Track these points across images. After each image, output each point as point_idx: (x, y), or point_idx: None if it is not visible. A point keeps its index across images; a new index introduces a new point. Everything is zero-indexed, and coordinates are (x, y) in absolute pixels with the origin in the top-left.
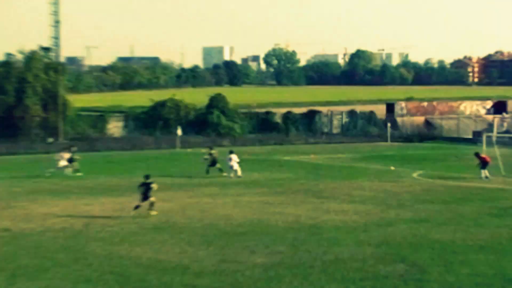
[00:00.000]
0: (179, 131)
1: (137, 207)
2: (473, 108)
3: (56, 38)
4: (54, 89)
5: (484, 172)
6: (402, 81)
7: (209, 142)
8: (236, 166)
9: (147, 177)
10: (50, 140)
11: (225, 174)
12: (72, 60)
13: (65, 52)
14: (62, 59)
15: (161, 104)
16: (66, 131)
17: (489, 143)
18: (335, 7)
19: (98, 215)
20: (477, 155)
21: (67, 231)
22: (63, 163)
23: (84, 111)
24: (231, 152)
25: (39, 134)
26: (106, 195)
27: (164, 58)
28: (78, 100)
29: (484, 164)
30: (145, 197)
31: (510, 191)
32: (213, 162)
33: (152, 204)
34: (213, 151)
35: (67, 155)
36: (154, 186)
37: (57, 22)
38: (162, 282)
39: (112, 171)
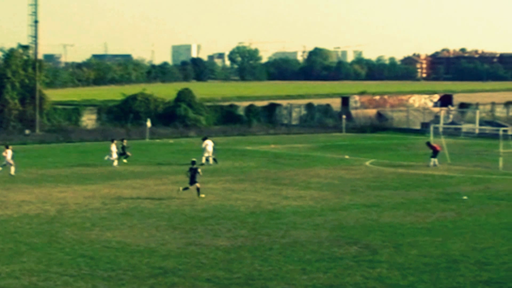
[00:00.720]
0: (149, 123)
1: (186, 188)
2: (421, 101)
3: (35, 36)
4: (31, 84)
5: (434, 160)
6: (356, 77)
7: (176, 133)
8: (211, 152)
9: (193, 162)
10: (27, 132)
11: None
12: (49, 57)
13: (43, 49)
14: (40, 56)
15: (132, 98)
16: (43, 124)
17: (436, 133)
18: (295, 8)
19: (71, 202)
20: (428, 144)
21: (42, 217)
22: (115, 155)
23: (59, 104)
24: (205, 138)
25: (16, 126)
26: (79, 183)
27: (136, 55)
28: (54, 95)
29: (435, 152)
30: (193, 181)
31: (455, 177)
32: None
33: (198, 189)
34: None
35: (114, 147)
36: (199, 171)
37: (35, 22)
38: (130, 264)
39: (85, 160)
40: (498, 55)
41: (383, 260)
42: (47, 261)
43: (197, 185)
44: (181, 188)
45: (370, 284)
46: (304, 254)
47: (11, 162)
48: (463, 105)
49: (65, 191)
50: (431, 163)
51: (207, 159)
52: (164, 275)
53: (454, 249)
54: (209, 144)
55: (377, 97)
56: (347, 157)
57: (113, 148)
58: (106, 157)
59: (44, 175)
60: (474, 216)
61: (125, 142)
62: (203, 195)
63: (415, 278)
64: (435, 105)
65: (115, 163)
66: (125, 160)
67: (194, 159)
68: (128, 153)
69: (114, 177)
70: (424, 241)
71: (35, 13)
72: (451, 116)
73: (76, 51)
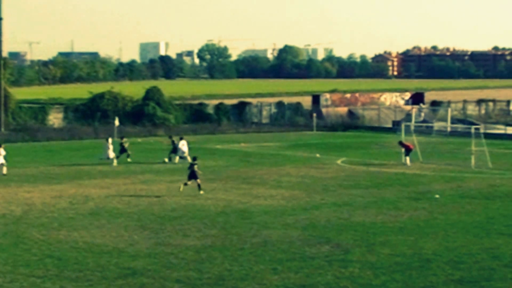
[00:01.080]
0: (117, 122)
1: (185, 184)
2: (393, 99)
3: None
4: None
5: (406, 159)
6: (327, 75)
7: (145, 132)
8: (186, 152)
9: (194, 159)
10: None
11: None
12: (14, 55)
13: (8, 47)
14: (4, 54)
15: (100, 96)
16: (8, 123)
17: (408, 131)
18: (264, 5)
19: (38, 202)
20: (401, 143)
21: (7, 217)
22: (112, 153)
23: (25, 103)
24: (181, 139)
25: None
26: (45, 183)
27: (103, 53)
28: (20, 93)
29: (407, 151)
30: (192, 176)
31: (427, 176)
32: (174, 150)
33: (199, 185)
34: (174, 139)
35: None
36: (195, 167)
37: (0, 18)
38: (98, 264)
39: (52, 160)
40: (469, 53)
41: (355, 260)
42: (13, 262)
43: (198, 181)
44: (181, 187)
45: (342, 283)
46: (275, 253)
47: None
48: (434, 103)
49: (32, 191)
50: (408, 162)
51: (169, 158)
52: (133, 276)
53: (426, 248)
54: (185, 144)
55: (348, 95)
56: (318, 155)
57: (110, 145)
58: (107, 157)
59: (10, 174)
60: (446, 214)
61: (124, 140)
62: (202, 192)
63: (387, 277)
64: (407, 103)
65: (115, 162)
66: (129, 159)
67: (195, 156)
68: (129, 152)
69: (81, 177)
70: (396, 240)
71: None
72: (422, 114)
73: (41, 49)
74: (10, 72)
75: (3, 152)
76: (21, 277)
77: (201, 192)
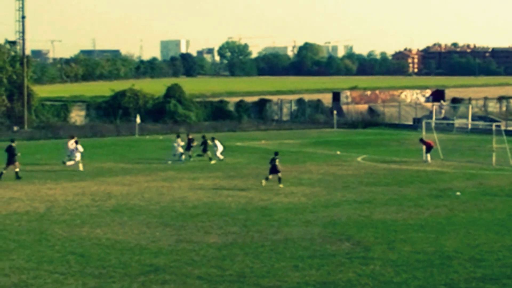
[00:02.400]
0: (138, 119)
1: (267, 178)
2: (413, 96)
3: (22, 32)
4: (19, 80)
5: (427, 156)
6: (347, 72)
7: (166, 130)
8: (220, 150)
9: (276, 153)
10: (16, 128)
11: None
12: (37, 53)
13: (31, 45)
14: (27, 52)
15: (121, 94)
16: (31, 120)
17: (428, 129)
18: (284, 2)
19: (60, 199)
20: (421, 140)
21: (31, 214)
22: (181, 149)
23: (48, 101)
24: (213, 139)
25: (4, 122)
26: (68, 180)
27: (124, 51)
28: (42, 91)
29: (428, 148)
30: (273, 171)
31: (448, 173)
32: (188, 147)
33: (279, 178)
34: (191, 136)
35: (181, 142)
36: (277, 161)
37: (23, 17)
38: (121, 261)
39: None
40: (490, 50)
41: (376, 257)
42: (36, 259)
43: (279, 174)
44: (263, 182)
45: (363, 281)
46: (296, 251)
47: (80, 150)
48: (455, 100)
49: (54, 188)
50: (429, 159)
51: (189, 156)
52: (155, 273)
53: (447, 246)
54: (218, 143)
55: (369, 92)
56: (338, 153)
57: (179, 142)
58: (180, 154)
59: (33, 172)
60: (468, 212)
61: (190, 136)
62: (281, 185)
63: (409, 275)
64: (427, 100)
65: (183, 156)
66: (213, 162)
67: (277, 151)
68: (201, 153)
69: (103, 174)
70: (417, 238)
71: (22, 8)
72: (443, 111)
73: (64, 47)
74: (33, 70)
75: (81, 149)
76: (45, 274)
77: (281, 185)
